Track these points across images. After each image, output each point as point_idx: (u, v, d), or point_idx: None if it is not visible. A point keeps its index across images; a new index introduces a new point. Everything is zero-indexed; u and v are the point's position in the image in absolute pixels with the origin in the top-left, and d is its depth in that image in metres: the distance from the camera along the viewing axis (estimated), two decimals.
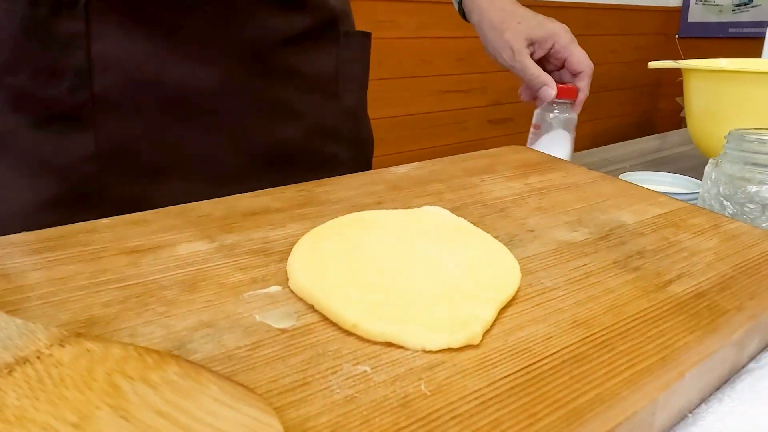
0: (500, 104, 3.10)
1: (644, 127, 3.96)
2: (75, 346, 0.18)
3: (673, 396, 0.21)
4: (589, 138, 3.69)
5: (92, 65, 0.38)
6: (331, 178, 0.38)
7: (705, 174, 0.43)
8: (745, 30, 3.69)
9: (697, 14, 3.92)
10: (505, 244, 0.30)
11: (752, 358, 0.28)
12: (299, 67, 0.49)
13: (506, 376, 0.20)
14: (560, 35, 0.60)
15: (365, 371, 0.20)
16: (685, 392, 0.22)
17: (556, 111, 0.60)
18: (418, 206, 0.34)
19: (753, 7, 3.67)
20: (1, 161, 0.40)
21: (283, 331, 0.22)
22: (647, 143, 0.82)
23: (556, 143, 0.60)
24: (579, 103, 0.59)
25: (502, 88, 3.05)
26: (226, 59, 0.43)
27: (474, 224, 0.32)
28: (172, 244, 0.28)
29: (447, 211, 0.32)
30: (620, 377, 0.20)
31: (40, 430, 0.15)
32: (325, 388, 0.19)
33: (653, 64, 0.64)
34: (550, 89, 0.57)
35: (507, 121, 3.15)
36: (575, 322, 0.24)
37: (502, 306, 0.24)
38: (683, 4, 3.96)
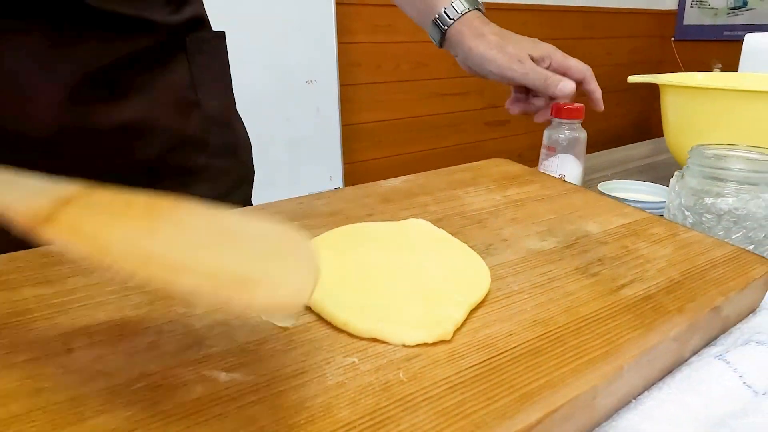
0: (496, 107, 3.13)
1: (641, 127, 4.00)
2: (102, 192, 0.21)
3: (614, 384, 0.25)
4: (589, 140, 3.73)
5: None
6: (329, 191, 0.42)
7: (670, 185, 0.47)
8: (740, 33, 3.72)
9: (692, 17, 3.96)
10: (481, 253, 0.34)
11: (695, 353, 0.32)
12: (148, 83, 0.48)
13: (471, 366, 0.24)
14: (554, 53, 0.64)
15: (353, 362, 0.24)
16: (626, 381, 0.26)
17: (566, 131, 0.63)
18: (405, 218, 0.38)
19: (747, 10, 3.71)
20: None
21: (285, 329, 0.26)
22: (633, 150, 0.86)
23: (569, 162, 0.63)
24: (598, 101, 0.65)
25: (498, 91, 3.08)
26: (65, 88, 0.43)
27: (454, 234, 0.36)
28: None
29: (429, 223, 0.36)
30: (568, 367, 0.24)
31: (123, 239, 0.18)
32: (320, 376, 0.23)
33: (632, 79, 0.68)
34: (569, 82, 0.61)
35: (504, 123, 3.19)
36: (535, 321, 0.28)
37: (473, 307, 0.28)
38: (679, 6, 4.01)
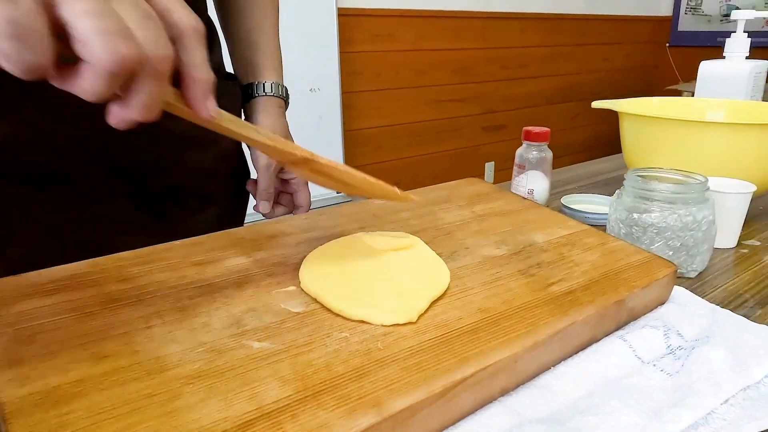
0: (494, 112, 3.23)
1: None
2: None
3: (531, 353, 0.35)
4: (583, 142, 3.82)
5: None
6: (329, 208, 0.52)
7: (610, 202, 0.57)
8: None
9: (687, 23, 4.05)
10: (447, 258, 0.44)
11: (607, 335, 0.42)
12: (178, 126, 0.59)
13: (429, 340, 0.34)
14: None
15: (346, 336, 0.34)
16: (543, 352, 0.36)
17: (534, 152, 0.73)
18: (390, 230, 0.48)
19: None
20: None
21: (297, 314, 0.36)
22: (602, 164, 0.96)
23: (537, 178, 0.73)
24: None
25: (495, 97, 3.19)
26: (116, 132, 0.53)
27: (427, 243, 0.46)
28: (222, 258, 0.42)
29: (408, 234, 0.46)
30: (497, 341, 0.34)
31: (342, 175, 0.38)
32: (322, 345, 0.33)
33: (595, 104, 0.78)
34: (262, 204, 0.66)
35: (501, 127, 3.29)
36: (479, 309, 0.38)
37: (434, 299, 0.38)
38: (674, 13, 4.10)
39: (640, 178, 0.54)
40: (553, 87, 3.51)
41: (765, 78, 0.90)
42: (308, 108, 2.38)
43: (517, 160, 0.74)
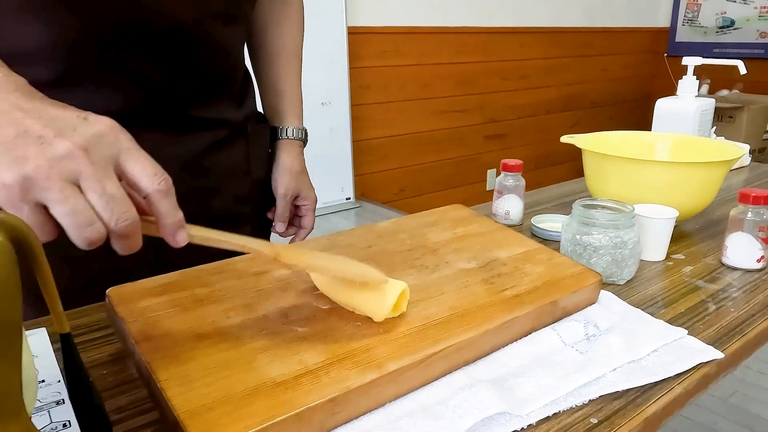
0: (496, 121, 3.39)
1: None
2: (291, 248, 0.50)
3: (484, 338, 0.52)
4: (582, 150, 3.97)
5: None
6: (344, 231, 0.69)
7: (562, 226, 0.73)
8: (728, 50, 3.97)
9: (684, 35, 4.19)
10: (431, 271, 0.60)
11: (545, 326, 0.58)
12: (224, 161, 0.74)
13: (414, 327, 0.51)
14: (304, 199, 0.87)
15: (359, 324, 0.50)
16: (494, 337, 0.53)
17: (510, 180, 0.90)
18: (390, 249, 0.64)
19: (735, 29, 3.94)
20: None
21: (325, 309, 0.52)
22: (575, 185, 1.12)
23: (513, 201, 0.90)
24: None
25: (497, 107, 3.35)
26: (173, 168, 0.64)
27: (416, 259, 0.62)
28: (271, 270, 0.59)
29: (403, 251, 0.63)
30: (461, 329, 0.51)
31: (315, 263, 0.55)
32: (342, 329, 0.49)
33: (564, 139, 0.94)
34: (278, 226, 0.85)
35: (502, 136, 3.45)
36: (450, 307, 0.54)
37: (403, 306, 0.55)
38: (671, 24, 4.24)
39: (583, 208, 0.70)
40: (553, 97, 3.67)
41: (712, 114, 1.06)
42: (320, 121, 2.55)
43: (496, 187, 0.91)
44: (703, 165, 0.79)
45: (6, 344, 0.27)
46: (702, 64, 1.03)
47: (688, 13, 4.15)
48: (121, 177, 0.40)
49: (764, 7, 3.79)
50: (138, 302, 0.52)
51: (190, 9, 0.63)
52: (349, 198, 2.75)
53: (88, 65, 0.61)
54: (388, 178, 2.98)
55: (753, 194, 0.71)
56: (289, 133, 0.84)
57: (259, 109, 0.87)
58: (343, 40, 2.59)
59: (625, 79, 4.17)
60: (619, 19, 3.95)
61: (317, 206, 0.89)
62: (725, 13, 3.97)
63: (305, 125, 0.88)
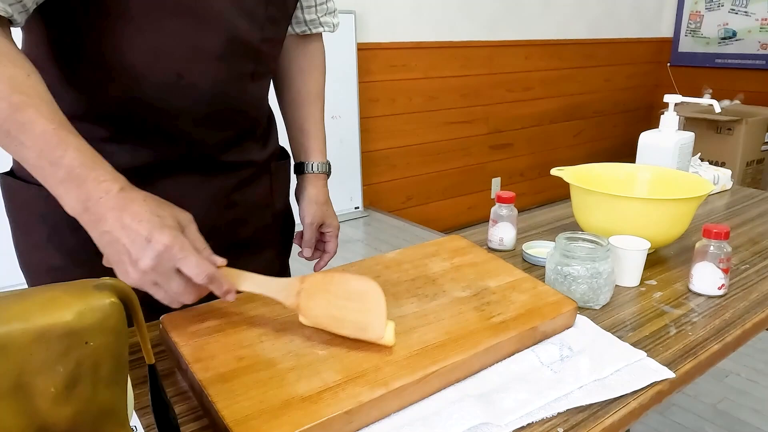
0: (500, 132, 3.49)
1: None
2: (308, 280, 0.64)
3: (474, 359, 0.62)
4: (585, 158, 4.06)
5: None
6: (356, 262, 0.80)
7: (547, 257, 0.84)
8: (729, 61, 4.04)
9: (686, 45, 4.26)
10: (431, 299, 0.71)
11: (526, 347, 0.68)
12: (249, 196, 0.84)
13: (414, 350, 0.61)
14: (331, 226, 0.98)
15: (369, 347, 0.61)
16: (482, 358, 0.63)
17: (504, 210, 1.00)
18: (395, 278, 0.75)
19: (737, 40, 4.01)
20: None
21: (341, 335, 0.63)
22: (566, 209, 1.22)
23: (507, 228, 1.00)
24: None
25: (501, 118, 3.45)
26: (204, 207, 0.75)
27: (417, 288, 0.73)
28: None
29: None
30: (454, 351, 0.61)
31: (319, 312, 0.63)
32: (356, 352, 0.60)
33: (554, 171, 1.04)
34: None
35: (507, 146, 3.55)
36: (446, 332, 0.65)
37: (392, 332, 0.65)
38: (674, 35, 4.31)
39: (564, 241, 0.80)
40: (557, 107, 3.76)
41: (691, 147, 1.16)
42: (330, 133, 2.65)
43: (491, 216, 1.01)
44: (674, 201, 0.89)
45: (120, 374, 0.38)
46: (681, 102, 1.13)
47: (690, 24, 4.22)
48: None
49: (765, 19, 3.86)
50: (187, 328, 0.62)
51: (223, 73, 0.74)
52: (358, 207, 2.86)
53: (134, 126, 0.72)
54: (396, 187, 3.09)
55: (714, 230, 0.82)
56: (314, 168, 0.95)
57: (281, 143, 0.97)
58: (353, 56, 2.70)
59: (628, 89, 4.25)
60: (623, 30, 4.03)
61: None
62: (727, 24, 4.04)
63: None
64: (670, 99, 1.14)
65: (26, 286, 0.80)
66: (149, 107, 0.71)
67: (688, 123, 3.49)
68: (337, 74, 2.66)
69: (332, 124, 2.68)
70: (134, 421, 0.53)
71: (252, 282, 0.63)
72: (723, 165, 3.36)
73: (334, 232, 0.97)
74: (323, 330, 0.63)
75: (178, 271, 0.57)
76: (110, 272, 0.56)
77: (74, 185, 0.56)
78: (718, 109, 1.13)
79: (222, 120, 0.78)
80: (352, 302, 0.62)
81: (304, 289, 0.63)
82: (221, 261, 0.61)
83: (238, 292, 0.62)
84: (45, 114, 0.56)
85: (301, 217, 0.94)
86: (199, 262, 0.57)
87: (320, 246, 0.98)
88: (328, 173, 0.97)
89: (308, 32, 0.94)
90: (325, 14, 0.95)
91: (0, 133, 0.56)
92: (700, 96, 4.07)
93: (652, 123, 4.68)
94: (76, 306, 0.36)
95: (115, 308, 0.37)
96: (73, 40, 0.68)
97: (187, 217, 0.62)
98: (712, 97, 4.07)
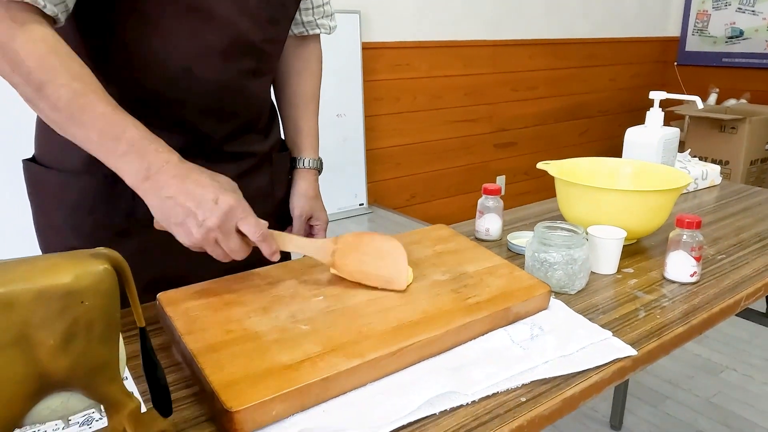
0: (505, 130, 3.52)
1: None
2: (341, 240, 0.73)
3: (448, 336, 0.66)
4: (592, 156, 4.07)
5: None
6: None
7: (526, 244, 0.88)
8: (736, 60, 4.04)
9: (693, 44, 4.27)
10: (413, 281, 0.75)
11: (500, 327, 0.72)
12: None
13: (391, 326, 0.66)
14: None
15: (349, 323, 0.66)
16: (456, 335, 0.67)
17: (490, 201, 1.04)
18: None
19: (744, 39, 4.01)
20: None
21: (326, 313, 0.68)
22: (552, 204, 1.26)
23: (493, 219, 1.04)
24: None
25: (506, 116, 3.48)
26: None
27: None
28: (283, 280, 0.74)
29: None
30: (429, 328, 0.66)
31: (352, 268, 0.74)
32: (336, 328, 0.65)
33: (539, 165, 1.08)
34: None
35: (511, 144, 3.58)
36: (423, 310, 0.69)
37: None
38: (681, 34, 4.32)
39: (542, 230, 0.85)
40: (561, 106, 3.78)
41: (677, 143, 1.19)
42: (334, 131, 2.71)
43: (478, 207, 1.05)
44: (651, 193, 0.93)
45: (112, 333, 0.43)
46: (666, 98, 1.17)
47: (697, 23, 4.23)
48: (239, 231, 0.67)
49: None
50: (181, 304, 0.68)
51: (227, 69, 0.79)
52: (362, 204, 2.90)
53: (146, 115, 0.77)
54: (400, 184, 3.13)
55: (687, 220, 0.85)
56: (306, 164, 1.00)
57: (283, 137, 1.02)
58: (358, 55, 2.75)
59: (634, 88, 4.27)
60: (629, 29, 4.05)
61: (332, 212, 1.04)
62: (734, 23, 4.05)
63: (321, 136, 1.03)
64: (656, 95, 1.17)
65: None
66: (160, 97, 0.77)
67: (692, 122, 3.51)
68: (341, 73, 2.71)
69: (337, 122, 2.73)
70: (128, 385, 0.58)
71: (293, 243, 0.74)
72: (727, 164, 3.37)
73: (323, 225, 1.01)
74: (309, 307, 0.68)
75: (237, 231, 0.66)
76: (120, 251, 0.61)
77: (136, 157, 0.64)
78: (700, 105, 1.16)
79: (226, 112, 0.83)
80: (379, 259, 0.73)
81: (338, 249, 0.73)
82: (265, 223, 0.69)
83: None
84: (102, 98, 0.65)
85: (291, 209, 0.99)
86: (257, 222, 0.67)
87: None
88: (319, 169, 1.02)
89: (305, 33, 0.99)
90: (323, 17, 0.99)
91: (64, 115, 0.63)
92: (707, 95, 4.08)
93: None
94: (73, 270, 0.41)
95: (108, 274, 0.42)
96: (97, 37, 0.74)
97: (235, 184, 0.70)
98: (719, 97, 4.06)
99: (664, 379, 2.00)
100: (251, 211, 0.68)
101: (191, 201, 0.64)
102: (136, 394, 0.57)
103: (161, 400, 0.49)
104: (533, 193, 3.74)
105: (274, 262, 0.73)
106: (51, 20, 0.65)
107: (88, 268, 0.41)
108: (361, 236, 0.75)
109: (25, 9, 0.61)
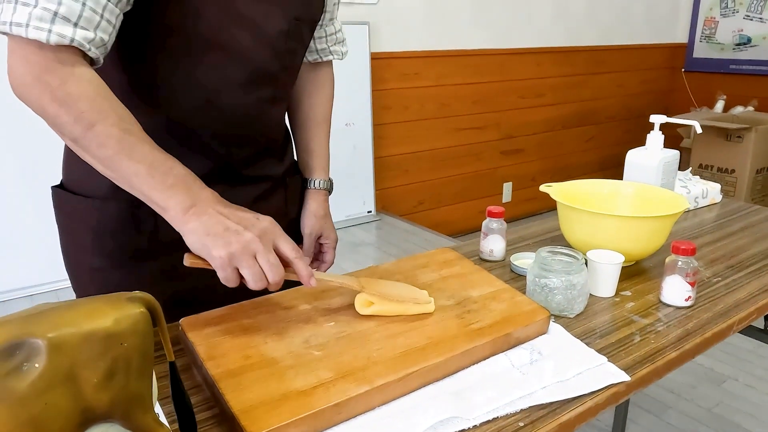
0: (512, 137, 3.55)
1: None
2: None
3: (451, 362, 0.71)
4: (597, 162, 4.10)
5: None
6: (353, 272, 0.89)
7: (528, 269, 0.92)
8: (744, 67, 4.06)
9: (701, 51, 4.28)
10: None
11: (501, 351, 0.77)
12: (264, 207, 0.84)
13: (398, 352, 0.70)
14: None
15: (358, 350, 0.70)
16: (459, 360, 0.72)
17: (494, 224, 1.09)
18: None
19: (752, 47, 4.02)
20: None
21: (337, 339, 0.72)
22: (555, 221, 1.30)
23: (497, 241, 1.09)
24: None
25: (513, 124, 3.51)
26: None
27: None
28: (297, 305, 0.79)
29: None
30: (433, 354, 0.70)
31: (383, 291, 0.81)
32: (347, 355, 0.69)
33: (542, 188, 1.12)
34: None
35: (518, 151, 3.61)
36: (428, 337, 0.73)
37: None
38: (689, 40, 4.33)
39: (543, 255, 0.89)
40: (569, 113, 3.81)
41: (676, 165, 1.23)
42: (344, 140, 2.76)
43: (483, 229, 1.09)
44: (649, 219, 0.97)
45: (147, 368, 0.48)
46: (665, 121, 1.20)
47: (705, 30, 4.24)
48: (277, 251, 0.70)
49: None
50: (202, 329, 0.72)
51: (246, 98, 0.84)
52: (371, 211, 2.95)
53: (170, 144, 0.82)
54: (408, 191, 3.18)
55: (682, 247, 0.89)
56: (317, 185, 1.05)
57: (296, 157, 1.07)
58: (367, 65, 2.80)
59: (641, 95, 4.29)
60: (636, 36, 4.07)
61: (340, 219, 1.09)
62: (742, 30, 4.06)
63: (331, 144, 1.08)
64: (656, 119, 1.21)
65: (70, 284, 0.92)
66: (184, 126, 0.83)
67: None
68: (351, 83, 2.76)
69: (346, 131, 2.78)
70: (156, 408, 0.63)
71: (325, 276, 0.77)
72: (732, 172, 3.38)
73: (332, 243, 1.06)
74: (322, 332, 0.73)
75: (275, 249, 0.70)
76: (141, 271, 0.74)
77: (183, 189, 0.70)
78: (699, 130, 1.20)
79: (245, 138, 0.88)
80: (402, 288, 0.82)
81: (363, 279, 0.79)
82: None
83: None
84: (146, 138, 0.71)
85: (302, 228, 1.04)
86: (294, 244, 0.73)
87: (319, 256, 1.07)
88: (329, 190, 1.07)
89: (319, 60, 1.04)
90: (335, 43, 1.04)
91: (111, 152, 0.68)
92: (714, 101, 4.09)
93: (664, 129, 4.71)
94: (113, 314, 0.45)
95: (143, 316, 0.47)
96: (128, 73, 0.80)
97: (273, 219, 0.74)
98: (726, 103, 4.07)
99: (667, 388, 2.03)
100: (287, 236, 0.73)
101: (233, 217, 0.69)
102: (162, 418, 0.62)
103: (188, 426, 0.54)
104: (540, 199, 3.77)
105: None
106: (91, 61, 0.70)
107: (127, 312, 0.46)
108: (377, 280, 0.83)
109: (71, 51, 0.66)
